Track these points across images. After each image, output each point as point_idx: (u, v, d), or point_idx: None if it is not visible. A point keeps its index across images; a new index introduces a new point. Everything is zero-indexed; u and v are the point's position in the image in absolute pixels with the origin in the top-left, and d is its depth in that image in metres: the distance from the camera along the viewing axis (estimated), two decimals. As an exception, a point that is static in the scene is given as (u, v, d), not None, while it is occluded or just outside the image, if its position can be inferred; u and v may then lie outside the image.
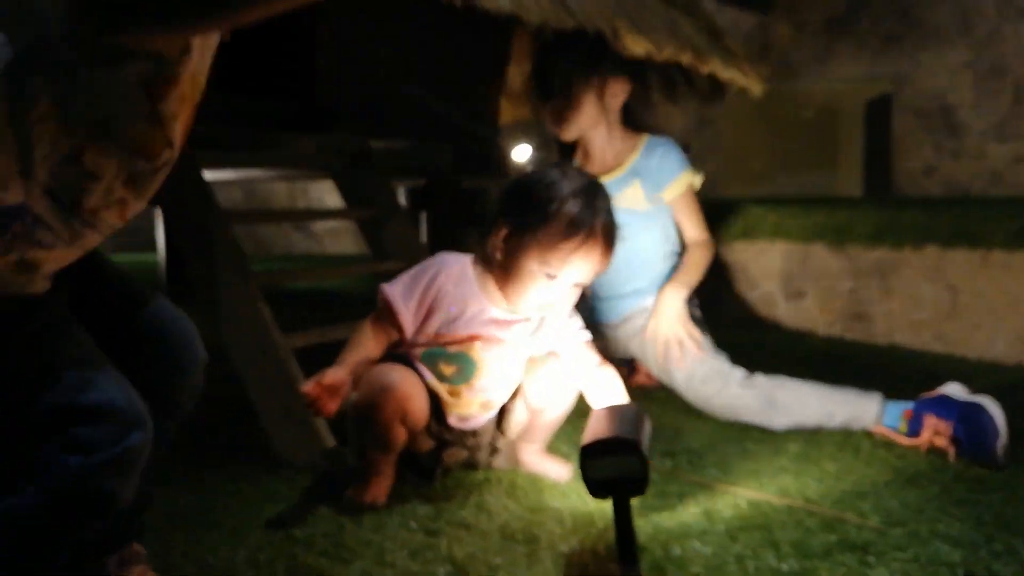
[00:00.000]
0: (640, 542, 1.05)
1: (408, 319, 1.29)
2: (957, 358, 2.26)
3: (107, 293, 0.96)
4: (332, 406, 1.15)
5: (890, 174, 5.31)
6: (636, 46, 1.87)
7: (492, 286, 1.31)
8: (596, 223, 1.24)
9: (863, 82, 5.14)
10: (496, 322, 1.30)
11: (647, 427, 1.01)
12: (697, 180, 1.87)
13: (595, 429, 0.99)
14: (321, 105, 2.21)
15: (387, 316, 1.30)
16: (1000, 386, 1.77)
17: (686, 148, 1.93)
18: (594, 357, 1.33)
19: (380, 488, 1.25)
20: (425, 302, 1.30)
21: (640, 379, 1.95)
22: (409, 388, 1.26)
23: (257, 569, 1.05)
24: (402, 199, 3.16)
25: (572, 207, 1.23)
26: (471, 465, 1.39)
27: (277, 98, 2.24)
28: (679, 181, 1.83)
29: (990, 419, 1.42)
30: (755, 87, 2.44)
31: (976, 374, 2.01)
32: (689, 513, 1.20)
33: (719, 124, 5.51)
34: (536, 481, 1.34)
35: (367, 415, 1.24)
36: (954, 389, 1.53)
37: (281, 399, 1.49)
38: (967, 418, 1.43)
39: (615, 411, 1.05)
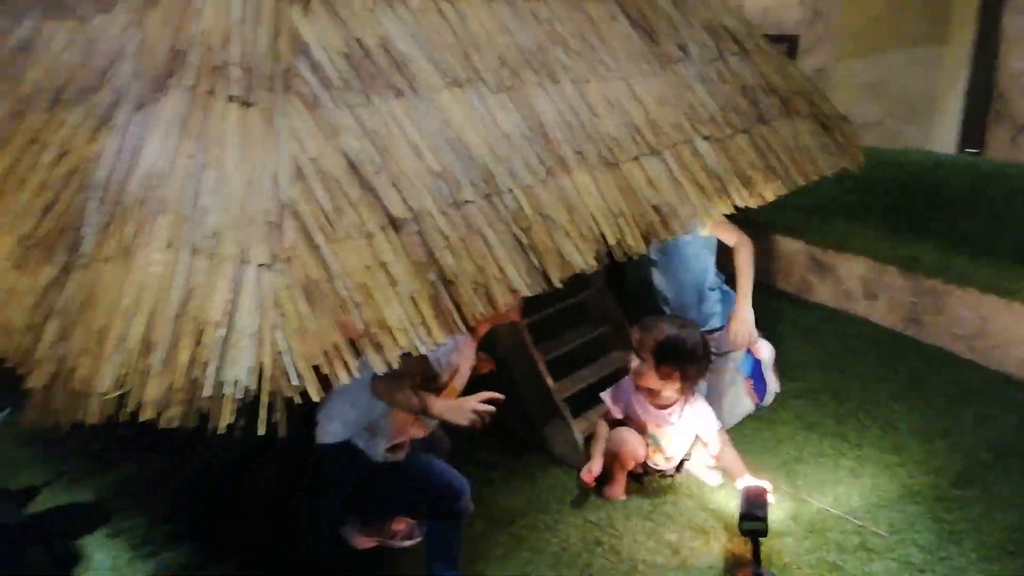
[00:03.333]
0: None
1: (619, 414, 2.42)
2: (978, 365, 3.22)
3: None
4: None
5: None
6: None
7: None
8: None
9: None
10: (652, 414, 2.40)
11: (768, 501, 2.12)
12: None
13: (745, 502, 2.10)
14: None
15: (608, 413, 2.42)
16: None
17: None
18: (724, 438, 2.42)
19: (620, 489, 2.43)
20: (620, 403, 2.42)
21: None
22: (636, 444, 2.40)
23: (557, 535, 2.25)
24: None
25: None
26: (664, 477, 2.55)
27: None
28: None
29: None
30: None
31: (993, 382, 3.02)
32: (778, 517, 2.33)
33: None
34: (701, 488, 2.48)
35: (616, 452, 2.39)
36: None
37: (543, 404, 2.64)
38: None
39: (756, 490, 2.15)
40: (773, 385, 2.77)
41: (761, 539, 2.09)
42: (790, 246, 3.92)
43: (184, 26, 1.86)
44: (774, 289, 4.04)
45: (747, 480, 2.26)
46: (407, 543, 2.21)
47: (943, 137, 6.76)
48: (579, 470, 2.46)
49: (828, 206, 3.86)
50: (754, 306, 3.85)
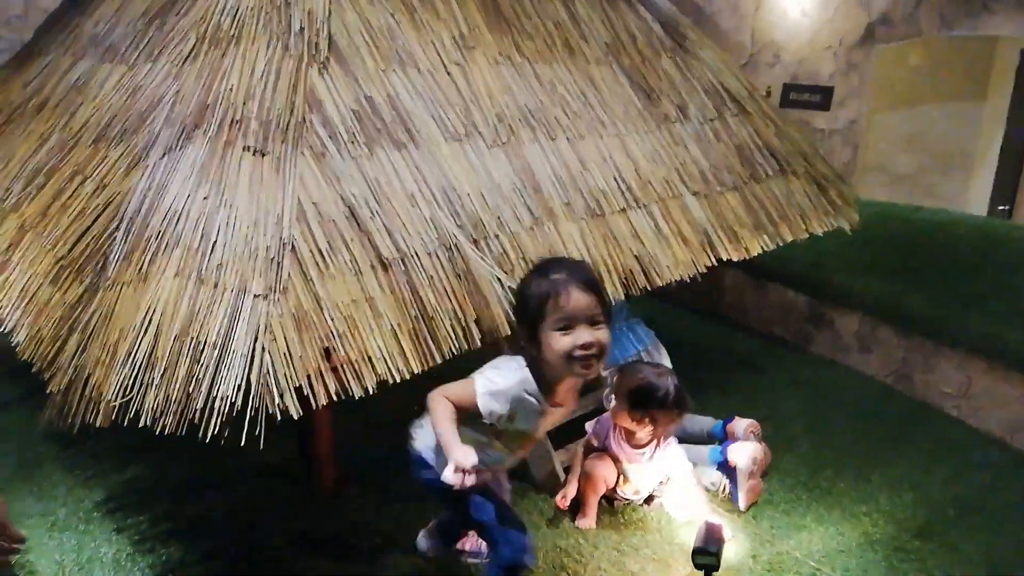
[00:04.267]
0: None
1: (600, 444, 2.57)
2: (961, 422, 3.29)
3: None
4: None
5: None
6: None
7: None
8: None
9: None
10: (626, 451, 2.56)
11: (724, 538, 2.25)
12: None
13: (700, 537, 2.23)
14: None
15: (588, 442, 2.59)
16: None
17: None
18: (692, 480, 2.56)
19: (591, 519, 2.58)
20: (600, 435, 2.58)
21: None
22: (608, 470, 2.56)
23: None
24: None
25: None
26: (634, 509, 2.70)
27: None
28: None
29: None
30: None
31: (972, 440, 3.10)
32: (738, 556, 2.45)
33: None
34: (667, 522, 2.62)
35: (589, 475, 2.55)
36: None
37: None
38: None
39: (711, 526, 2.29)
40: (742, 500, 2.65)
41: (713, 574, 2.22)
42: (791, 297, 4.05)
43: (213, 81, 2.13)
44: (773, 337, 4.16)
45: (709, 518, 2.40)
46: (472, 560, 2.35)
47: (978, 192, 6.79)
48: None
49: (831, 259, 3.98)
50: (751, 353, 3.99)
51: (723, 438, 2.91)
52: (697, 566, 2.22)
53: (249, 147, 1.96)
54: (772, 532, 2.57)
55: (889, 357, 3.59)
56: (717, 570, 2.22)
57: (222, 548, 2.41)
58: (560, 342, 1.77)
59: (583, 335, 1.76)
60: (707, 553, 2.20)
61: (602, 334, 1.79)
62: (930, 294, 3.51)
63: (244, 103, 2.06)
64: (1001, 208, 6.19)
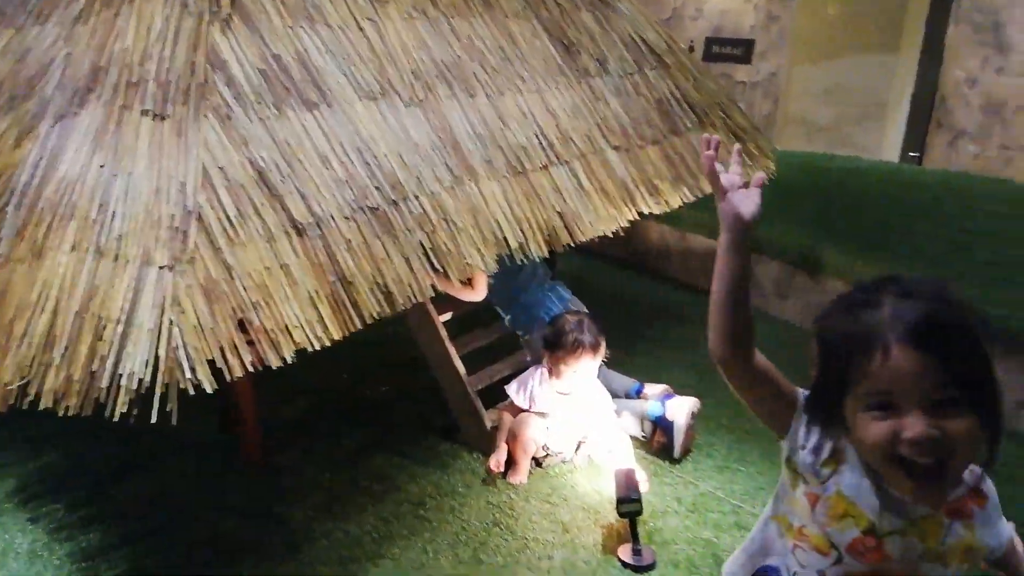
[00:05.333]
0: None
1: (524, 404, 2.62)
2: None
3: None
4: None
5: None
6: None
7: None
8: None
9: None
10: (552, 401, 2.61)
11: (640, 481, 2.33)
12: None
13: (620, 485, 2.30)
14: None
15: (511, 404, 2.64)
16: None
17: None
18: (614, 429, 2.63)
19: (522, 474, 2.62)
20: (526, 392, 2.61)
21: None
22: (536, 427, 2.59)
23: (459, 517, 2.44)
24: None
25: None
26: (564, 461, 2.75)
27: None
28: None
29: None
30: None
31: None
32: (664, 499, 2.54)
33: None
34: (596, 472, 2.68)
35: (517, 435, 2.59)
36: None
37: (458, 395, 2.83)
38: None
39: (627, 474, 2.35)
40: (678, 450, 2.72)
41: (639, 518, 2.29)
42: (713, 246, 4.13)
43: (107, 42, 2.01)
44: (698, 288, 4.26)
45: (626, 465, 2.46)
46: None
47: (892, 141, 7.03)
48: (489, 456, 2.65)
49: (751, 210, 4.07)
50: (680, 305, 4.08)
51: (637, 398, 2.97)
52: (622, 514, 2.29)
53: (148, 111, 1.86)
54: (695, 474, 2.67)
55: (805, 302, 3.72)
56: (641, 514, 2.29)
57: (146, 531, 2.36)
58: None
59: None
60: (630, 500, 2.26)
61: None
62: (842, 240, 3.64)
63: (141, 64, 1.95)
64: (912, 155, 6.43)
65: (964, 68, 5.83)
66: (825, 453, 1.09)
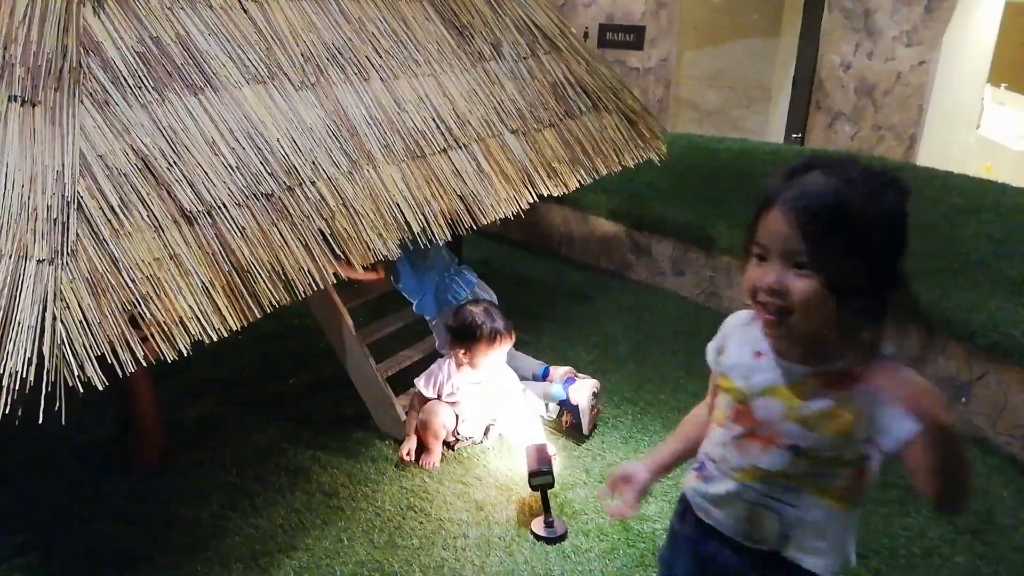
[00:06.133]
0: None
1: (432, 395, 2.64)
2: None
3: None
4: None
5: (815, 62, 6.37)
6: None
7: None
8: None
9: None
10: (461, 388, 2.64)
11: (551, 454, 2.39)
12: None
13: (531, 459, 2.34)
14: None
15: (419, 395, 2.66)
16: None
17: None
18: (524, 410, 2.68)
19: (435, 458, 2.63)
20: (435, 385, 2.63)
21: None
22: (446, 414, 2.61)
23: (374, 504, 2.44)
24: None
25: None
26: (475, 444, 2.78)
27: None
28: None
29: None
30: None
31: None
32: (573, 471, 2.61)
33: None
34: (507, 450, 2.73)
35: (427, 423, 2.59)
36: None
37: (368, 383, 2.81)
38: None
39: (539, 448, 2.41)
40: (586, 428, 2.77)
41: (551, 491, 2.35)
42: (613, 228, 4.25)
43: (-35, 24, 1.87)
44: (599, 268, 4.38)
45: (536, 440, 2.52)
46: None
47: (776, 123, 7.39)
48: (402, 443, 2.65)
49: (647, 191, 4.21)
50: (580, 284, 4.18)
51: (544, 380, 3.04)
52: (534, 487, 2.34)
53: (16, 96, 1.75)
54: (602, 447, 2.75)
55: (699, 278, 3.88)
56: (553, 487, 2.35)
57: (38, 539, 2.23)
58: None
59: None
60: (542, 473, 2.31)
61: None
62: (732, 217, 3.82)
63: (6, 48, 1.83)
64: (794, 136, 6.79)
65: (838, 53, 6.20)
66: (717, 340, 1.29)
